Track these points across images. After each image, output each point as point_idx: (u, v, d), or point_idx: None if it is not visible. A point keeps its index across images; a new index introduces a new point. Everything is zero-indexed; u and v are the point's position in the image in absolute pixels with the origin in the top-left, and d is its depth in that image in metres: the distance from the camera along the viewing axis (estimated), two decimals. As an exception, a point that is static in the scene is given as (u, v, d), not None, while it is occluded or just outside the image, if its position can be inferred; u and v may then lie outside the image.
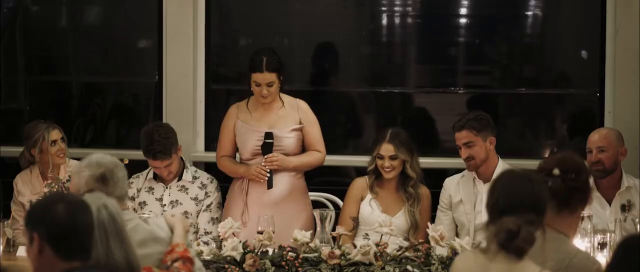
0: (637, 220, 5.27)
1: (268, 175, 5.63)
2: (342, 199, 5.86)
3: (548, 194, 3.58)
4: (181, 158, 5.88)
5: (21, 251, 5.27)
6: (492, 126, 5.70)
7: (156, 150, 5.67)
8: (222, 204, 5.90)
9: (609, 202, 5.62)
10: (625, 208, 5.60)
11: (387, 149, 5.63)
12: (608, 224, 5.25)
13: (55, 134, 5.90)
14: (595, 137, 5.62)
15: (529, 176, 3.63)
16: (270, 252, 4.93)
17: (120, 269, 3.26)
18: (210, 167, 6.27)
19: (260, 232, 4.95)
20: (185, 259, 3.96)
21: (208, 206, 5.83)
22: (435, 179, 6.07)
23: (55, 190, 5.40)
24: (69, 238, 3.10)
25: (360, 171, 6.03)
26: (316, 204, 6.01)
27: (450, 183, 5.82)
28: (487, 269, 3.46)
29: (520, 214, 3.43)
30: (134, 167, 5.80)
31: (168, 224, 4.11)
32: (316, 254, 4.88)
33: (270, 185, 5.65)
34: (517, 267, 3.43)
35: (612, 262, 3.30)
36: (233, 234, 4.96)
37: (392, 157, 5.62)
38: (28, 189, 5.94)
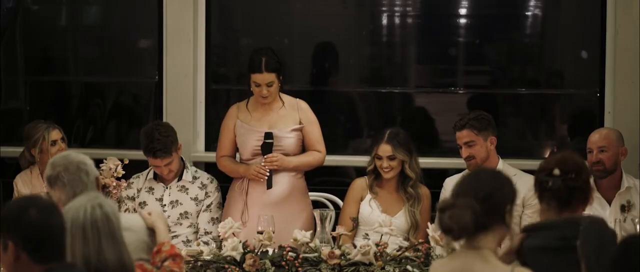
0: (636, 220, 5.27)
1: (268, 175, 5.63)
2: (342, 199, 5.86)
3: (502, 188, 3.49)
4: (181, 158, 5.89)
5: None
6: (493, 126, 5.70)
7: (156, 148, 5.67)
8: (222, 204, 5.90)
9: (609, 203, 5.62)
10: (625, 208, 5.60)
11: (384, 149, 5.63)
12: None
13: (55, 134, 5.90)
14: (595, 137, 5.62)
15: (484, 170, 3.64)
16: (270, 252, 4.93)
17: (110, 269, 3.25)
18: (210, 167, 6.27)
19: (260, 232, 4.95)
20: (174, 256, 3.98)
21: (208, 206, 5.84)
22: (435, 179, 6.07)
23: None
24: (44, 243, 3.08)
25: (360, 171, 6.03)
26: (316, 204, 6.01)
27: (450, 183, 5.81)
28: (457, 269, 3.44)
29: (458, 197, 3.42)
30: (134, 167, 5.81)
31: (147, 223, 4.13)
32: (316, 254, 4.88)
33: (269, 185, 5.65)
34: (484, 267, 3.41)
35: (612, 262, 3.30)
36: (233, 234, 4.96)
37: (390, 158, 5.62)
38: (28, 189, 5.94)
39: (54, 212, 3.13)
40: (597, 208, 5.53)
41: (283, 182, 5.70)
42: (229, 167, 5.81)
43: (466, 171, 5.77)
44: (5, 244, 3.09)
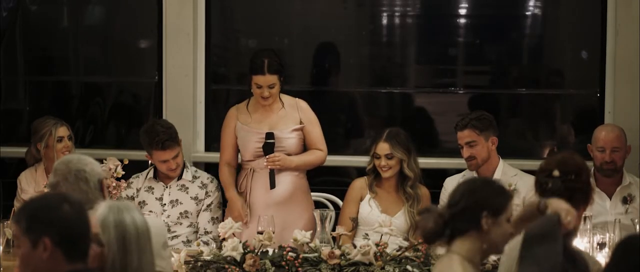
0: (636, 220, 5.28)
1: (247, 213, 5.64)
2: (342, 199, 5.86)
3: (474, 193, 3.49)
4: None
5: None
6: (494, 126, 5.71)
7: (163, 139, 5.66)
8: (222, 203, 5.90)
9: (610, 197, 5.64)
10: (627, 200, 5.62)
11: (383, 147, 5.63)
12: (608, 218, 5.27)
13: (63, 131, 5.92)
14: (610, 136, 5.62)
15: (467, 180, 3.65)
16: (271, 252, 4.93)
17: None
18: (210, 167, 6.27)
19: (260, 233, 4.95)
20: None
21: (208, 206, 5.84)
22: (435, 179, 6.07)
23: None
24: (79, 238, 3.08)
25: (360, 171, 6.03)
26: (316, 204, 6.01)
27: (450, 183, 5.82)
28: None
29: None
30: (134, 167, 5.80)
31: None
32: (316, 254, 4.88)
33: (272, 185, 5.65)
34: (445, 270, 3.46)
35: (611, 262, 3.30)
36: (233, 234, 4.96)
37: (388, 156, 5.62)
38: (32, 186, 5.94)
39: (83, 209, 3.13)
40: (598, 201, 5.53)
41: (286, 182, 5.70)
42: (223, 180, 5.81)
43: (466, 171, 5.78)
44: (36, 241, 3.04)
